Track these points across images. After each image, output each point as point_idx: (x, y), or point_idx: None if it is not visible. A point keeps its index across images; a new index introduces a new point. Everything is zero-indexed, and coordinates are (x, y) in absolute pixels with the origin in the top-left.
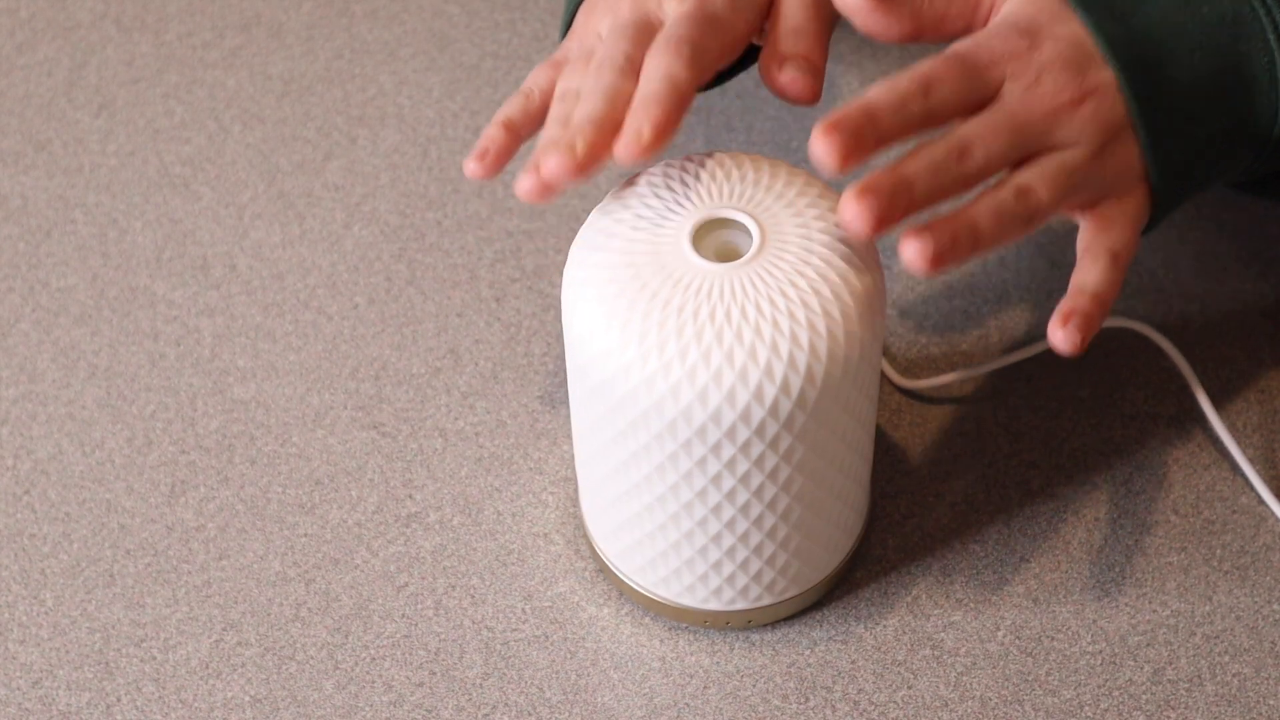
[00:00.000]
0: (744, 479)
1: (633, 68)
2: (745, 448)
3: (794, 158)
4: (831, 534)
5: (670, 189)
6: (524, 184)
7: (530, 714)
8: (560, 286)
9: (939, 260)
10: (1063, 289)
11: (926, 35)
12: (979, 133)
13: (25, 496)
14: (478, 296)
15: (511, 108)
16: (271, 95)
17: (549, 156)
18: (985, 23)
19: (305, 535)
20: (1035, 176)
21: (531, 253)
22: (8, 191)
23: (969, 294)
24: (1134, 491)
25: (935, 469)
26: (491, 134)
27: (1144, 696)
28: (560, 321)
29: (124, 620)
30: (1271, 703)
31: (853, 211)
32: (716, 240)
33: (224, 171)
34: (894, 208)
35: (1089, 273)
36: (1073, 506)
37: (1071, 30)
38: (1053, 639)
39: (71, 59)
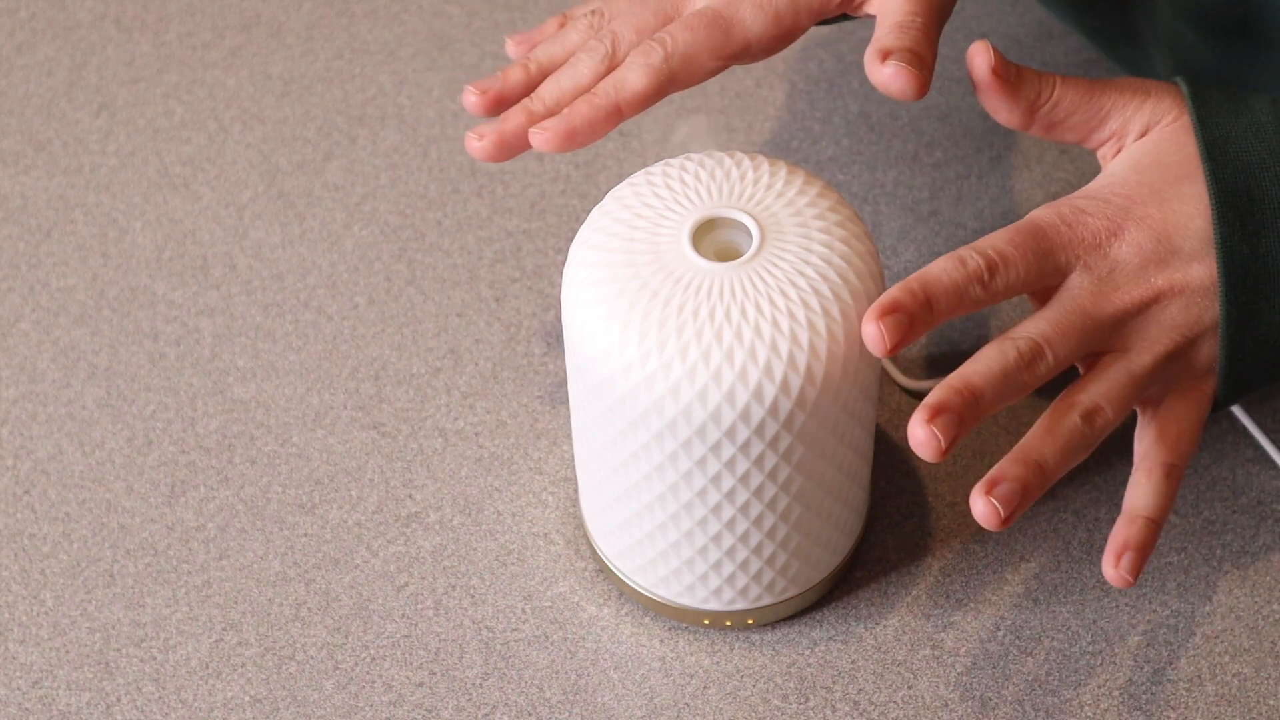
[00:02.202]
0: (744, 479)
1: (611, 58)
2: (745, 447)
3: (794, 158)
4: (831, 534)
5: (670, 189)
6: (468, 140)
7: (530, 714)
8: (560, 286)
9: (1012, 519)
10: None
11: (1038, 132)
12: (1050, 336)
13: (25, 496)
14: (478, 296)
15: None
16: (271, 95)
17: (475, 130)
18: (1102, 145)
19: (305, 535)
20: (1103, 394)
21: (531, 253)
22: (8, 191)
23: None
24: None
25: (935, 469)
26: (507, 75)
27: (1144, 696)
28: (560, 321)
29: (124, 620)
30: (1271, 703)
31: (924, 435)
32: (716, 240)
33: (224, 171)
34: (964, 426)
35: (1144, 494)
36: (1073, 506)
37: (1167, 213)
38: (1053, 639)
39: (71, 59)
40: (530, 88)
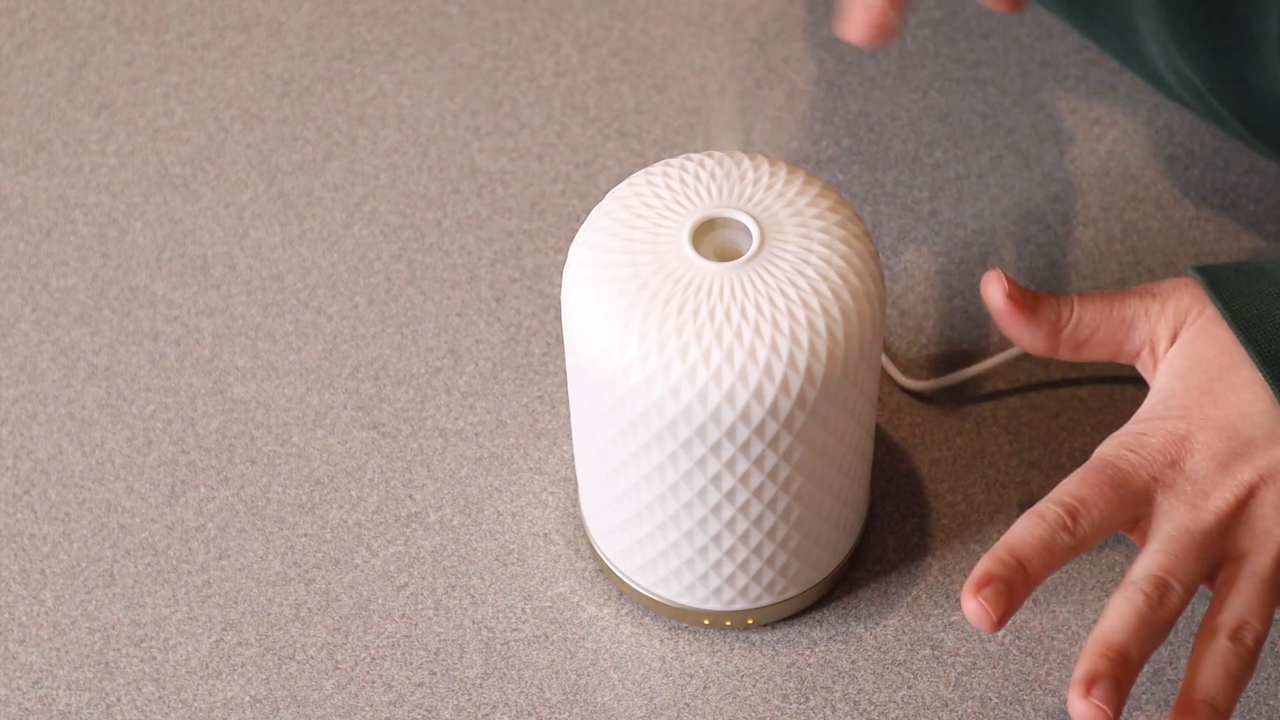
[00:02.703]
0: (744, 479)
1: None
2: (745, 447)
3: (794, 157)
4: (831, 534)
5: (670, 189)
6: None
7: (530, 714)
8: (560, 286)
9: None
10: (1063, 289)
11: (1065, 354)
12: (1169, 567)
13: (25, 496)
14: (478, 296)
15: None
16: (271, 95)
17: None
18: (1135, 356)
19: (305, 535)
20: (1243, 609)
21: (531, 253)
22: (8, 191)
23: (969, 294)
24: None
25: (935, 469)
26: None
27: (1144, 696)
28: (560, 321)
29: (124, 620)
30: (1271, 703)
31: (1082, 710)
32: (716, 240)
33: (224, 171)
34: (1119, 686)
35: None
36: None
37: (1225, 409)
38: (1053, 639)
39: (71, 59)
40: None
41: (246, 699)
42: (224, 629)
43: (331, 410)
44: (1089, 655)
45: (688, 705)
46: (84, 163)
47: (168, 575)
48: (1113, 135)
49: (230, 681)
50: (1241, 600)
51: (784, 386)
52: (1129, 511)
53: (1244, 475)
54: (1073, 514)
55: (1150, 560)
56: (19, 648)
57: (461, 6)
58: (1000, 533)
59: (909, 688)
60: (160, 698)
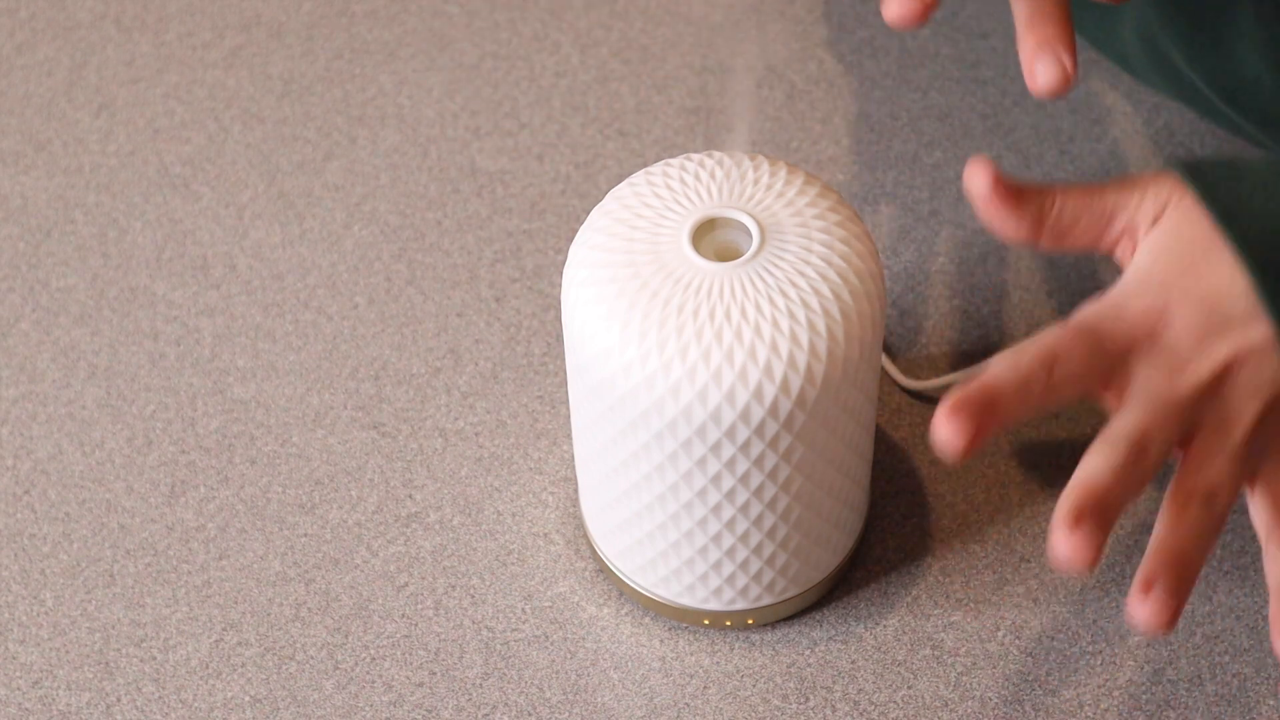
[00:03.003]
0: (744, 478)
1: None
2: (745, 447)
3: (794, 158)
4: (831, 534)
5: (670, 189)
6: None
7: (530, 714)
8: (560, 286)
9: (1176, 620)
10: (1063, 288)
11: (1047, 244)
12: (1147, 428)
13: (25, 496)
14: (478, 296)
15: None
16: (271, 95)
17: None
18: (1115, 245)
19: (305, 535)
20: (1215, 476)
21: (531, 253)
22: (8, 191)
23: (969, 294)
24: None
25: (935, 469)
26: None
27: (1144, 696)
28: (560, 321)
29: (124, 620)
30: (1271, 703)
31: (1066, 549)
32: (716, 240)
33: (224, 171)
34: (1101, 528)
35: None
36: None
37: (1204, 287)
38: (1053, 639)
39: (71, 59)
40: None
41: (246, 699)
42: (224, 629)
43: (331, 410)
44: (1072, 495)
45: (688, 705)
46: (84, 163)
47: (168, 575)
48: (1113, 135)
49: (230, 681)
50: (1213, 469)
51: (784, 386)
52: (1104, 371)
53: (1221, 351)
54: (1049, 361)
55: (1129, 419)
56: (19, 648)
57: (461, 6)
58: (1000, 532)
59: (909, 688)
60: (160, 698)
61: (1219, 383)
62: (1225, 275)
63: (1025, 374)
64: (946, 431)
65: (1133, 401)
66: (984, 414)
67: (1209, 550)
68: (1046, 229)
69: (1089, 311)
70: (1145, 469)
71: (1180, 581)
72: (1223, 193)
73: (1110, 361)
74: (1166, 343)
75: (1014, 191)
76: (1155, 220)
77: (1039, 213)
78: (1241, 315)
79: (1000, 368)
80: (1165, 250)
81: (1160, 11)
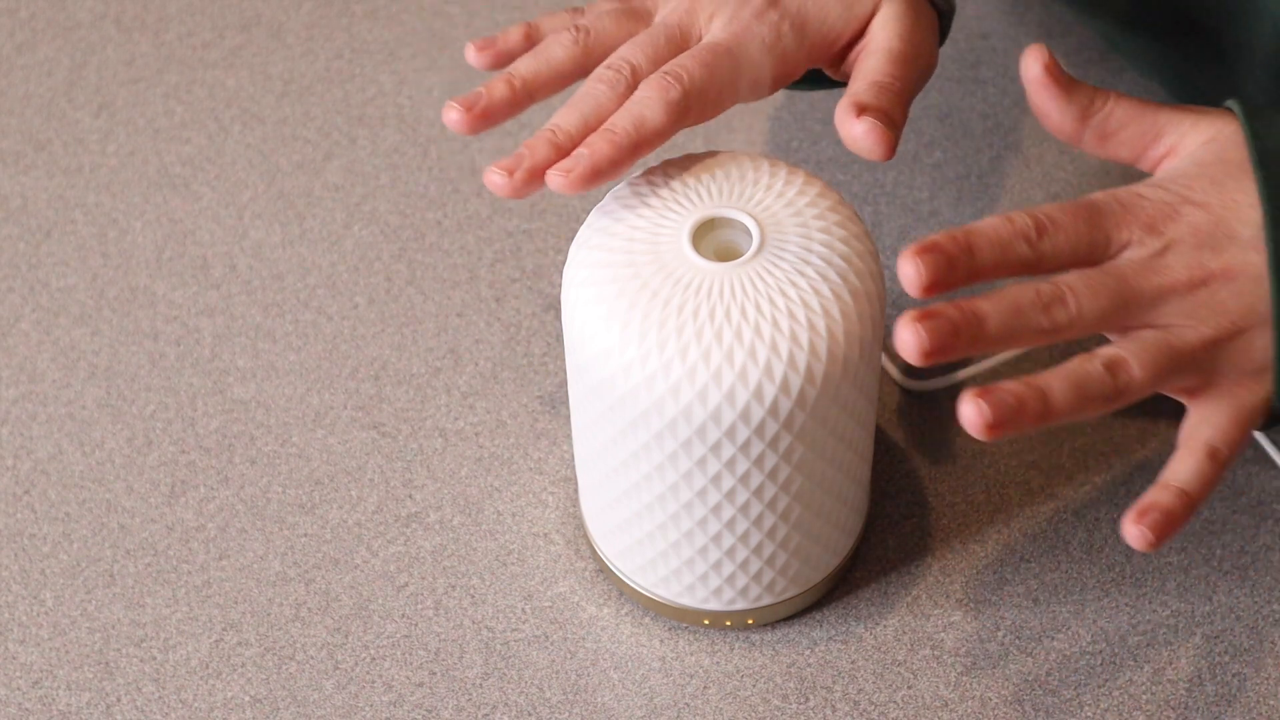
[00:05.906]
0: (744, 478)
1: (630, 86)
2: (745, 447)
3: (794, 158)
4: (831, 534)
5: (670, 188)
6: (488, 177)
7: (530, 714)
8: (560, 286)
9: (998, 429)
10: None
11: (1090, 144)
12: (1078, 287)
13: (25, 496)
14: (478, 296)
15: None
16: (271, 95)
17: (499, 166)
18: (1157, 164)
19: (305, 535)
20: (1133, 351)
21: (531, 253)
22: (8, 191)
23: (969, 294)
24: (1134, 491)
25: (935, 469)
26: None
27: (1144, 696)
28: (560, 321)
29: (124, 620)
30: (1271, 703)
31: (910, 342)
32: (716, 240)
33: (224, 171)
34: (957, 340)
35: (1182, 468)
36: (1073, 507)
37: (1226, 199)
38: (1053, 639)
39: (71, 59)
40: (516, 105)
41: (246, 699)
42: (224, 629)
43: (331, 410)
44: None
45: (688, 705)
46: (84, 163)
47: (168, 575)
48: None
49: (230, 681)
50: (1139, 347)
51: (784, 386)
52: (1094, 252)
53: (1211, 264)
54: (1040, 228)
55: (1070, 276)
56: (19, 648)
57: (461, 6)
58: (1000, 532)
59: (909, 688)
60: (160, 698)
61: (1192, 289)
62: (1249, 200)
63: (1010, 231)
64: (910, 268)
65: (1092, 269)
66: (956, 256)
67: (1087, 411)
68: (1092, 126)
69: (1101, 194)
70: (1053, 321)
71: (1023, 402)
72: (1270, 135)
73: (1100, 244)
74: (1163, 236)
75: (1066, 79)
76: (1202, 145)
77: (1087, 106)
78: (1247, 240)
79: (989, 220)
80: (1200, 163)
81: None
